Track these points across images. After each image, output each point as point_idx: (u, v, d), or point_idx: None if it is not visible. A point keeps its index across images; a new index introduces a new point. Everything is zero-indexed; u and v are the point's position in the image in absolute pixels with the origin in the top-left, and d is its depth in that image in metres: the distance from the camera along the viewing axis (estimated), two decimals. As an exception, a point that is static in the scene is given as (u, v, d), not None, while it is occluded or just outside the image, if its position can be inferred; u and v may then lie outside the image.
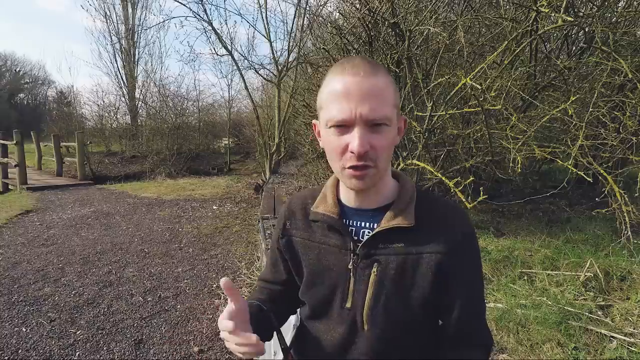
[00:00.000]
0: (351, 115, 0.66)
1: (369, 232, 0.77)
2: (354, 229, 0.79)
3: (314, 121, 0.80)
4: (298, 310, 0.97)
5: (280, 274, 0.92)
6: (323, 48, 4.25)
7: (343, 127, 0.68)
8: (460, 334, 0.76)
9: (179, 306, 2.84)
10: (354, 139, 0.66)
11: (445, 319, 0.77)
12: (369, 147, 0.67)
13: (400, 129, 0.76)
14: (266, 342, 0.79)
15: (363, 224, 0.78)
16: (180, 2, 7.37)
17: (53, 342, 2.33)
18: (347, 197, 0.80)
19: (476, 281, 0.78)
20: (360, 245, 0.76)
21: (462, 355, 0.76)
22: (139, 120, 14.53)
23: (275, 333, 0.83)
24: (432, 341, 0.79)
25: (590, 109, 2.66)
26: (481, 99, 2.80)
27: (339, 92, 0.68)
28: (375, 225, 0.76)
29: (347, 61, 0.71)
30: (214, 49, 11.12)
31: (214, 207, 6.43)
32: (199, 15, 8.36)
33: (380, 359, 0.76)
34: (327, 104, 0.70)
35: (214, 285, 3.21)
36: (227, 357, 2.23)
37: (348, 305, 0.77)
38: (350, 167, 0.69)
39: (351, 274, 0.76)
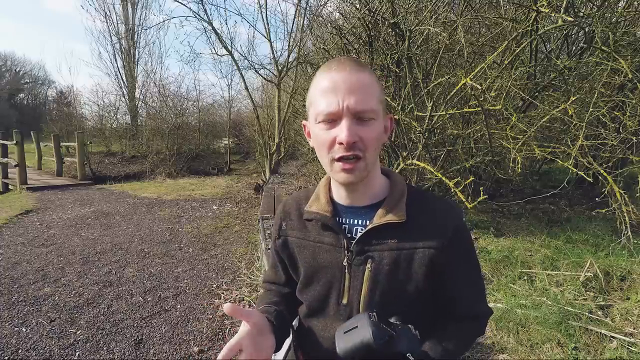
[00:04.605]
0: (338, 108, 0.68)
1: (362, 229, 0.78)
2: (347, 226, 0.80)
3: (303, 122, 0.82)
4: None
5: (280, 276, 0.93)
6: (323, 48, 4.25)
7: (331, 121, 0.70)
8: (463, 317, 0.80)
9: (179, 306, 2.84)
10: (342, 131, 0.68)
11: (448, 308, 0.80)
12: (357, 138, 0.69)
13: (387, 127, 0.77)
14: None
15: (356, 221, 0.80)
16: (180, 2, 7.38)
17: (53, 342, 2.33)
18: (340, 195, 0.82)
19: (473, 270, 0.81)
20: (353, 242, 0.77)
21: (464, 324, 0.80)
22: (139, 120, 14.54)
23: (290, 330, 0.85)
24: (429, 331, 0.80)
25: (590, 109, 2.65)
26: (481, 99, 2.79)
27: (326, 87, 0.70)
28: (368, 222, 0.77)
29: (333, 60, 0.74)
30: (214, 49, 11.07)
31: (214, 207, 6.43)
32: (199, 15, 8.36)
33: None
34: (316, 100, 0.72)
35: (214, 285, 3.21)
36: (227, 357, 2.23)
37: (344, 301, 0.78)
38: (339, 160, 0.70)
39: (346, 270, 0.77)
